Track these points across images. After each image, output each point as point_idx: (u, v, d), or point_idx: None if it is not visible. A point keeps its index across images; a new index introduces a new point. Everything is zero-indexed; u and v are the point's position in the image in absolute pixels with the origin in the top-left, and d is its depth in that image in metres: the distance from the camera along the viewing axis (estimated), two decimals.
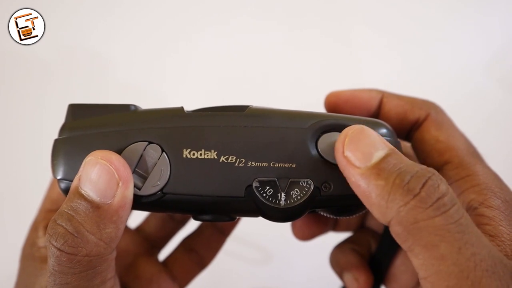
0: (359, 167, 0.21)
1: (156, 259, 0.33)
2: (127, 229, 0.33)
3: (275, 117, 0.23)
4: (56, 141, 0.24)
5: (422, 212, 0.19)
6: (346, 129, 0.22)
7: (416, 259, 0.19)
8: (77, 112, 0.25)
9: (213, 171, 0.23)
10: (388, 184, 0.20)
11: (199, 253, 0.33)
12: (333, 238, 0.34)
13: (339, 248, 0.32)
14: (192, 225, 0.35)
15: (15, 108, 0.57)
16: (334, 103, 0.29)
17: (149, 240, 0.33)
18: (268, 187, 0.23)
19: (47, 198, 0.30)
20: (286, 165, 0.23)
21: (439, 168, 0.26)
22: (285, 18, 0.59)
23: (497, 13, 0.59)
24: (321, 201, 0.23)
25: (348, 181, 0.21)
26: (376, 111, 0.29)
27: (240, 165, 0.23)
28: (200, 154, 0.23)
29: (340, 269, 0.31)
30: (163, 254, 0.34)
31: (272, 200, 0.23)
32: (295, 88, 0.58)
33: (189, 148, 0.23)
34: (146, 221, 0.34)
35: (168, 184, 0.23)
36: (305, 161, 0.23)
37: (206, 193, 0.23)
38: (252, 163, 0.23)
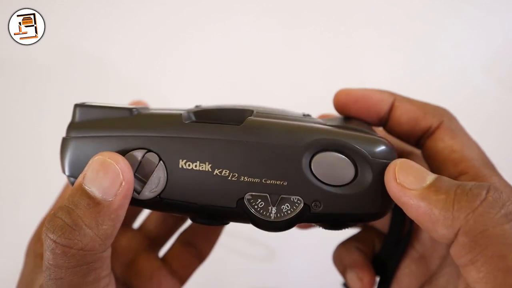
0: (415, 189, 0.21)
1: (156, 256, 0.33)
2: (128, 226, 0.34)
3: (271, 132, 0.23)
4: (64, 139, 0.25)
5: (491, 218, 0.19)
6: (393, 161, 0.23)
7: (477, 272, 0.19)
8: (82, 112, 0.26)
9: (207, 182, 0.23)
10: (450, 196, 0.20)
11: (196, 246, 0.33)
12: (336, 236, 0.34)
13: (344, 246, 0.32)
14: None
15: (14, 108, 0.57)
16: (343, 102, 0.29)
17: (149, 237, 0.34)
18: (259, 200, 0.23)
19: (61, 197, 0.31)
20: (277, 182, 0.23)
21: (455, 178, 0.25)
22: (286, 18, 0.59)
23: (497, 13, 0.59)
24: (310, 217, 0.23)
25: (405, 207, 0.21)
26: (386, 114, 0.28)
27: (233, 179, 0.23)
28: (195, 166, 0.23)
29: (343, 267, 0.31)
30: (162, 251, 0.35)
31: (263, 212, 0.23)
32: (296, 87, 0.58)
33: (185, 159, 0.23)
34: (147, 218, 0.35)
35: (165, 191, 0.24)
36: (297, 180, 0.23)
37: (200, 202, 0.23)
38: (245, 178, 0.23)
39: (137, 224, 0.35)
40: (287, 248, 0.54)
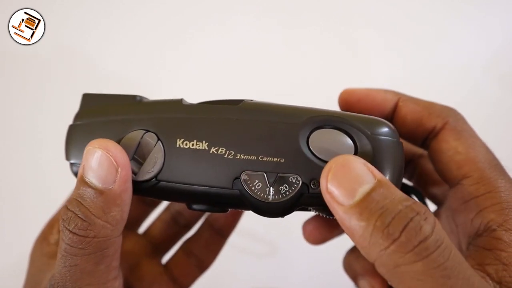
0: (343, 205, 0.20)
1: (159, 262, 0.34)
2: (133, 231, 0.34)
3: (268, 111, 0.23)
4: (69, 127, 0.26)
5: (402, 257, 0.18)
6: (330, 161, 0.20)
7: None
8: (89, 100, 0.27)
9: (204, 161, 0.23)
10: (369, 225, 0.19)
11: (198, 256, 0.33)
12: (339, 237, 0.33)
13: (353, 252, 0.31)
14: (196, 228, 0.35)
15: (14, 108, 0.57)
16: (346, 101, 0.29)
17: (153, 242, 0.34)
18: (257, 181, 0.23)
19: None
20: (274, 160, 0.23)
21: (458, 182, 0.25)
22: (286, 18, 0.59)
23: (497, 13, 0.59)
24: (309, 198, 0.23)
25: (334, 215, 0.20)
26: (389, 114, 0.28)
27: (229, 157, 0.23)
28: (192, 145, 0.23)
29: (354, 274, 0.30)
30: (165, 257, 0.35)
31: (260, 194, 0.23)
32: (296, 87, 0.58)
33: (182, 138, 0.23)
34: (153, 224, 0.35)
35: (162, 172, 0.24)
36: (294, 157, 0.22)
37: (196, 182, 0.23)
38: (241, 155, 0.23)
39: (142, 229, 0.35)
40: (290, 246, 0.54)
